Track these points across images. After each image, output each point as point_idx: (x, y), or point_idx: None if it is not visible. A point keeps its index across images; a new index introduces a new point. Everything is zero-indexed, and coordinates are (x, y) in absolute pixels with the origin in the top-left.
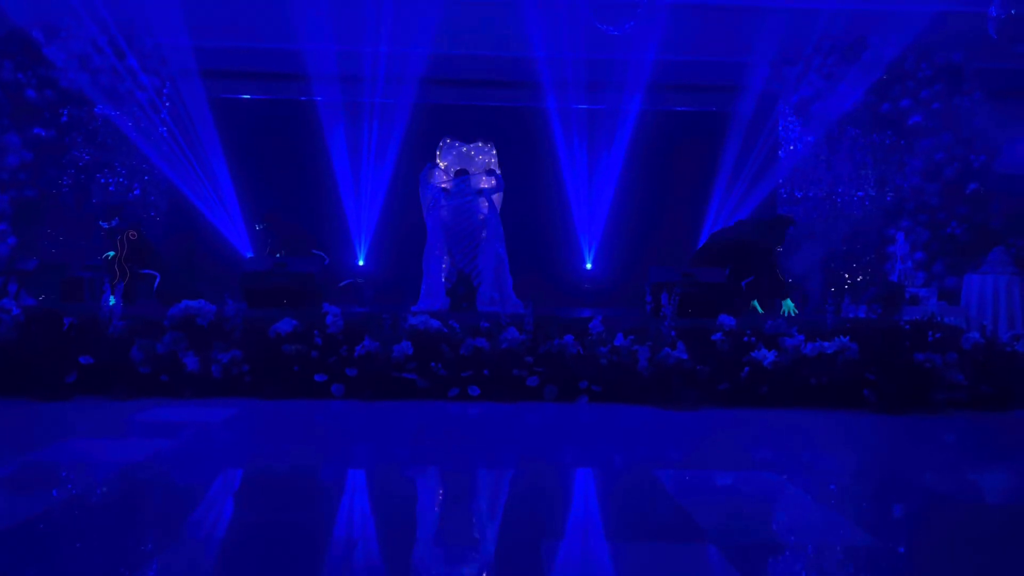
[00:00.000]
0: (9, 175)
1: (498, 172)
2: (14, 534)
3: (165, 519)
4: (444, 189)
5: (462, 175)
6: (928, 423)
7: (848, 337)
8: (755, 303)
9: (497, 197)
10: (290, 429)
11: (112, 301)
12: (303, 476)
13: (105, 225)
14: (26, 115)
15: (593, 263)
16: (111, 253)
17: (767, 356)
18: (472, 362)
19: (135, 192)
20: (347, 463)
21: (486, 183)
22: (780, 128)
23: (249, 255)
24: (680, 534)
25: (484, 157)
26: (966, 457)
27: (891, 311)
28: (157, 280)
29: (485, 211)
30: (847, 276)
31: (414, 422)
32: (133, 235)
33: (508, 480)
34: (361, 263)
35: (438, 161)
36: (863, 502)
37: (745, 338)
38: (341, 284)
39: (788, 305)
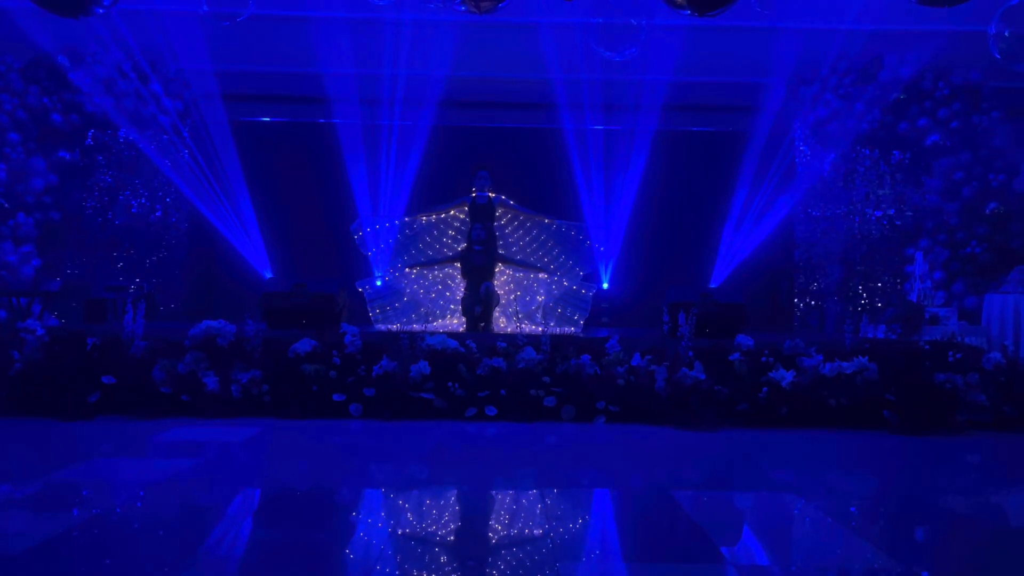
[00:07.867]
0: (34, 198)
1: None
2: (36, 553)
3: (186, 539)
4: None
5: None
6: (949, 444)
7: (867, 357)
8: None
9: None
10: (309, 449)
11: None
12: (322, 496)
13: None
14: (51, 139)
15: (610, 283)
16: None
17: (786, 376)
18: (489, 382)
19: (157, 214)
20: (365, 483)
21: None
22: (796, 148)
23: (269, 276)
24: (699, 556)
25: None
26: (989, 479)
27: (910, 331)
28: None
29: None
30: (865, 296)
31: (432, 442)
32: None
33: (526, 501)
34: (379, 284)
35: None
36: (885, 524)
37: (763, 358)
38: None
39: None
